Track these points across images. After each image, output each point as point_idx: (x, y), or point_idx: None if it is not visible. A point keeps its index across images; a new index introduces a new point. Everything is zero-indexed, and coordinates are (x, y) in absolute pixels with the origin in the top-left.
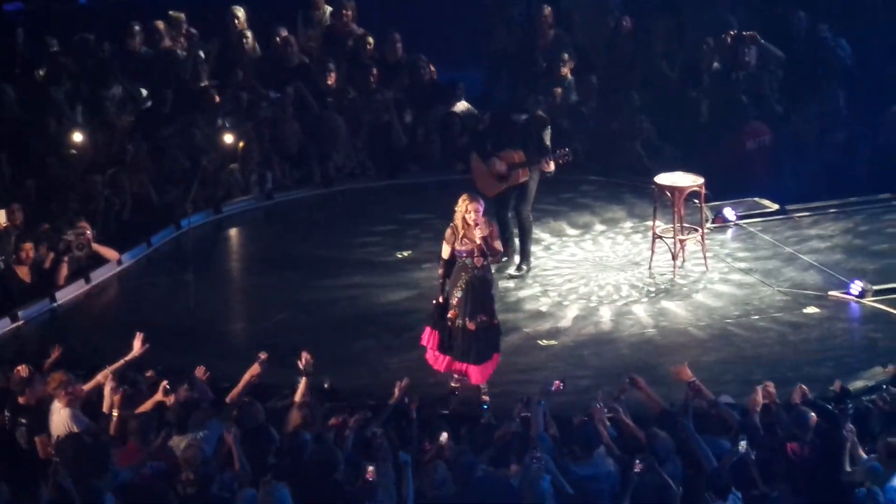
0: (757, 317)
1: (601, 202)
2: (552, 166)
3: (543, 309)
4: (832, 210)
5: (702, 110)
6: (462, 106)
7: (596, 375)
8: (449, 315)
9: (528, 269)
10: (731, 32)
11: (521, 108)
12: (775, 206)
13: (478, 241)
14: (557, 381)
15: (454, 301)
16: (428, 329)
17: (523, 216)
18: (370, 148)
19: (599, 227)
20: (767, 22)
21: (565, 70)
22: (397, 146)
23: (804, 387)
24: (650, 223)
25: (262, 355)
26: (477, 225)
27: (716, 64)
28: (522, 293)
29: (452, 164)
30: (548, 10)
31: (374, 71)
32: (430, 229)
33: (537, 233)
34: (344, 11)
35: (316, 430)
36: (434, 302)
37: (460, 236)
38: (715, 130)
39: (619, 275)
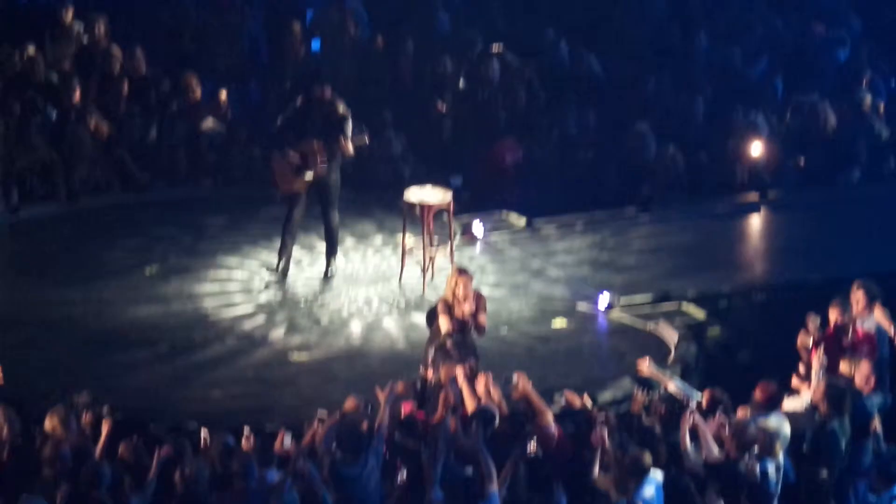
0: (506, 330)
1: (351, 217)
2: (350, 148)
3: (294, 322)
4: (579, 225)
5: (444, 126)
6: (209, 123)
7: (346, 389)
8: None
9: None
10: (477, 50)
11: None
12: (523, 221)
13: (467, 315)
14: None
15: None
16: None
17: (333, 223)
18: (117, 163)
19: (350, 242)
20: (513, 40)
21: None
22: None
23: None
24: (400, 237)
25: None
26: (466, 299)
27: (462, 81)
28: (273, 307)
29: (199, 179)
30: (297, 26)
31: (125, 87)
32: (177, 244)
33: None
34: (97, 28)
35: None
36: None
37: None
38: (462, 145)
39: (369, 289)
